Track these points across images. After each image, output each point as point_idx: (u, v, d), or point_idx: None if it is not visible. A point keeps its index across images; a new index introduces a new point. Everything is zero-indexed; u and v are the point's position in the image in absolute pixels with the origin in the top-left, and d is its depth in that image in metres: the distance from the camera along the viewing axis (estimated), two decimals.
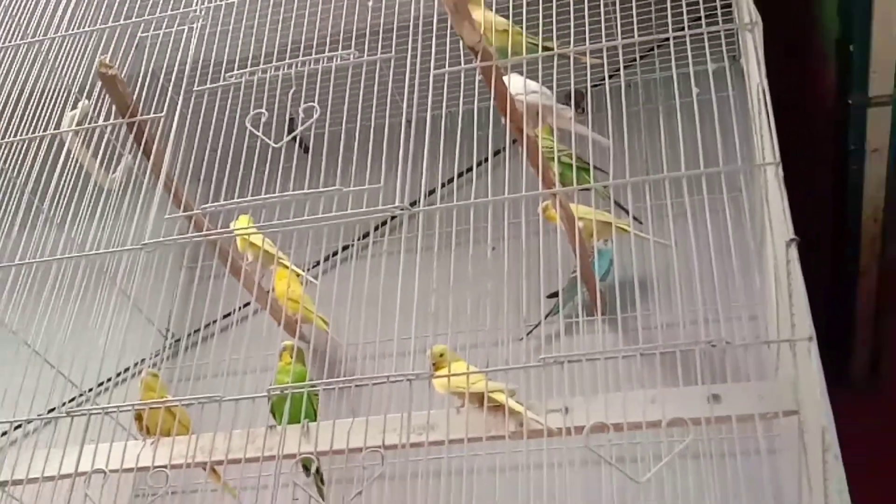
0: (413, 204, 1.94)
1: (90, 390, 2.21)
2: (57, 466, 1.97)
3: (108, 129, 2.26)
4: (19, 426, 2.08)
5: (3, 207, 2.18)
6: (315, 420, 2.07)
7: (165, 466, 1.98)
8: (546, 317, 2.55)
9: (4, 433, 2.20)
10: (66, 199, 2.19)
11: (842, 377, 3.82)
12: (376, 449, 1.78)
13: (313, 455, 1.94)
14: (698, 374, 1.74)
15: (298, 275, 2.51)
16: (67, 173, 2.20)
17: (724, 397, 1.73)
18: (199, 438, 2.04)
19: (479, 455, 2.02)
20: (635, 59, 2.58)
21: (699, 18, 2.01)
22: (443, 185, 2.85)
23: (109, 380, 2.55)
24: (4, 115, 2.22)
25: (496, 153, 2.56)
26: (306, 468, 2.10)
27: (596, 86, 2.34)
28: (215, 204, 2.00)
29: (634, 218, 2.40)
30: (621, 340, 2.44)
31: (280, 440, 1.90)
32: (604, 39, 2.01)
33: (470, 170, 2.78)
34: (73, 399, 2.20)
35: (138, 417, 2.16)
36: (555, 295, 2.55)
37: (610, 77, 2.13)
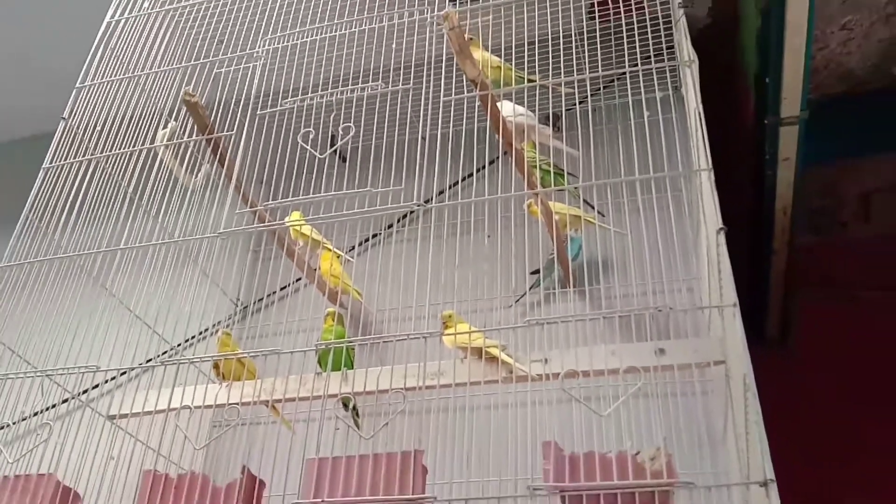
0: (427, 201, 1.94)
1: (179, 345, 2.23)
2: (154, 404, 1.99)
3: (192, 143, 2.26)
4: (124, 373, 2.10)
5: (111, 204, 2.18)
6: (352, 368, 2.08)
7: (237, 403, 2.00)
8: (530, 289, 2.55)
9: (113, 378, 2.21)
10: (158, 196, 2.19)
11: (758, 337, 3.82)
12: (399, 390, 1.79)
13: (351, 395, 1.95)
14: (648, 332, 1.75)
15: (338, 256, 2.51)
16: (160, 177, 2.20)
17: (668, 350, 1.74)
18: (263, 382, 2.05)
19: (477, 395, 2.03)
20: (600, 89, 2.56)
21: (649, 57, 2.00)
22: (450, 187, 2.85)
23: (193, 337, 2.57)
24: (111, 133, 2.22)
25: (491, 162, 2.55)
26: (345, 405, 2.11)
27: (569, 109, 2.33)
28: (274, 202, 2.01)
29: (598, 212, 2.40)
30: (588, 307, 2.44)
31: (325, 383, 1.91)
32: (575, 73, 2.01)
33: (471, 175, 2.78)
34: (165, 352, 2.21)
35: (216, 366, 2.17)
36: (537, 272, 2.55)
37: (579, 103, 2.11)
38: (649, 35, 2.07)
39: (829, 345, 3.74)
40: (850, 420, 3.52)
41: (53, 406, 2.10)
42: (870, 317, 3.74)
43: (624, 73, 1.98)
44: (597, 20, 2.15)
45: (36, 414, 2.07)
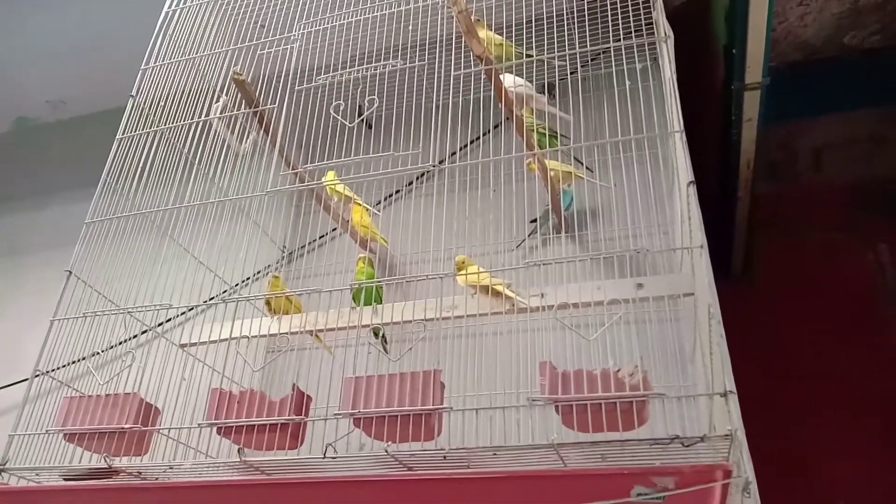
0: (441, 162, 1.93)
1: (236, 285, 2.25)
2: (218, 334, 2.03)
3: (241, 115, 2.25)
4: (192, 309, 2.13)
5: (174, 168, 2.18)
6: (381, 303, 2.10)
7: (286, 333, 2.03)
8: (529, 235, 2.56)
9: (183, 313, 2.24)
10: (214, 161, 2.17)
11: (725, 273, 3.81)
12: (420, 321, 1.82)
13: (380, 325, 1.98)
14: (629, 270, 1.76)
15: (367, 210, 2.52)
16: (214, 143, 2.19)
17: (646, 285, 1.75)
18: (307, 315, 2.09)
19: (486, 324, 2.05)
20: (588, 62, 2.53)
21: (631, 33, 1.96)
22: (461, 149, 2.83)
23: (248, 278, 2.59)
24: (173, 108, 2.22)
25: (495, 126, 2.54)
26: (375, 333, 2.13)
27: (562, 80, 2.30)
28: (312, 164, 2.01)
29: (588, 168, 2.38)
30: (578, 249, 2.44)
31: (359, 316, 1.94)
32: (567, 48, 1.97)
33: (478, 138, 2.77)
34: (225, 291, 2.23)
35: (267, 303, 2.19)
36: (535, 220, 2.56)
37: (571, 74, 2.08)
38: (630, 14, 2.03)
39: (785, 279, 3.74)
40: (802, 342, 3.55)
41: (134, 337, 2.13)
42: (819, 254, 3.74)
43: (609, 48, 1.95)
44: (585, 1, 2.11)
45: (120, 343, 2.12)
